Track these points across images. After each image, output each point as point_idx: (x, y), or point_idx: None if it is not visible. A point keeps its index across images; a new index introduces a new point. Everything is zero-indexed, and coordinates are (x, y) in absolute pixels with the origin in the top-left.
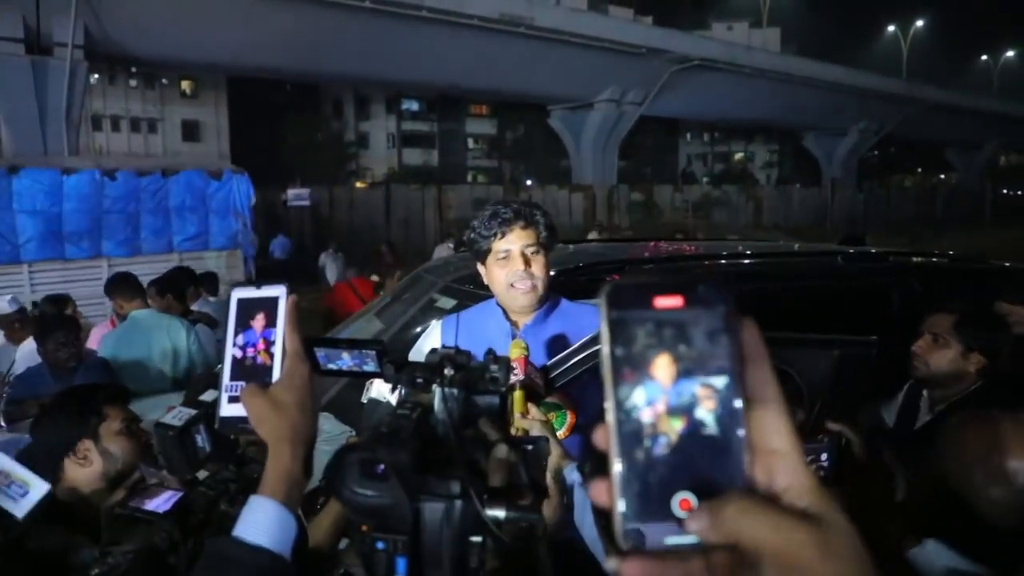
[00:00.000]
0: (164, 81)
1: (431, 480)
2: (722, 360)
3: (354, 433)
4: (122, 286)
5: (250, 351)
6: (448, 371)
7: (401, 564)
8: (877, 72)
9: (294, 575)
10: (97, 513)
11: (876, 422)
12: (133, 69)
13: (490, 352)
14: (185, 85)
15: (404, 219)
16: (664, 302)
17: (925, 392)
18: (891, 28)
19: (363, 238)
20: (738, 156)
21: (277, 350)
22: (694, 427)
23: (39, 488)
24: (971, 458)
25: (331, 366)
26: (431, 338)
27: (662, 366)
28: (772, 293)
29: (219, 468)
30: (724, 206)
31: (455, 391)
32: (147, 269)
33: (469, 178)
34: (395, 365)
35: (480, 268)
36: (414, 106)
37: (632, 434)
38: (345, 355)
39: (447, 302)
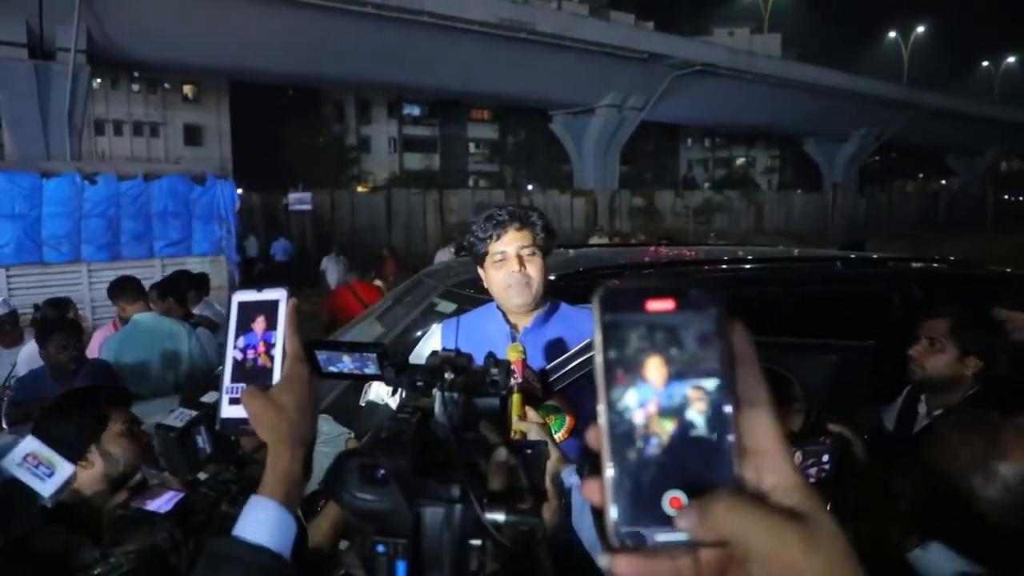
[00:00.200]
0: (166, 85)
1: (431, 484)
2: (713, 363)
3: (352, 435)
4: (124, 289)
5: (251, 353)
6: (448, 375)
7: (401, 567)
8: (878, 78)
9: (293, 574)
10: (98, 515)
11: (876, 426)
12: (135, 73)
13: (490, 355)
14: (187, 89)
15: (405, 223)
16: (656, 305)
17: (923, 396)
18: (892, 34)
19: (364, 242)
20: (739, 161)
21: (277, 352)
22: (685, 428)
23: (64, 469)
24: (967, 460)
25: (332, 369)
26: (431, 341)
27: (654, 368)
28: (771, 298)
29: (220, 469)
30: (725, 211)
31: (455, 395)
32: (128, 274)
33: (470, 183)
34: (396, 368)
35: (479, 271)
36: (415, 110)
37: (624, 435)
38: (346, 358)
39: (448, 306)
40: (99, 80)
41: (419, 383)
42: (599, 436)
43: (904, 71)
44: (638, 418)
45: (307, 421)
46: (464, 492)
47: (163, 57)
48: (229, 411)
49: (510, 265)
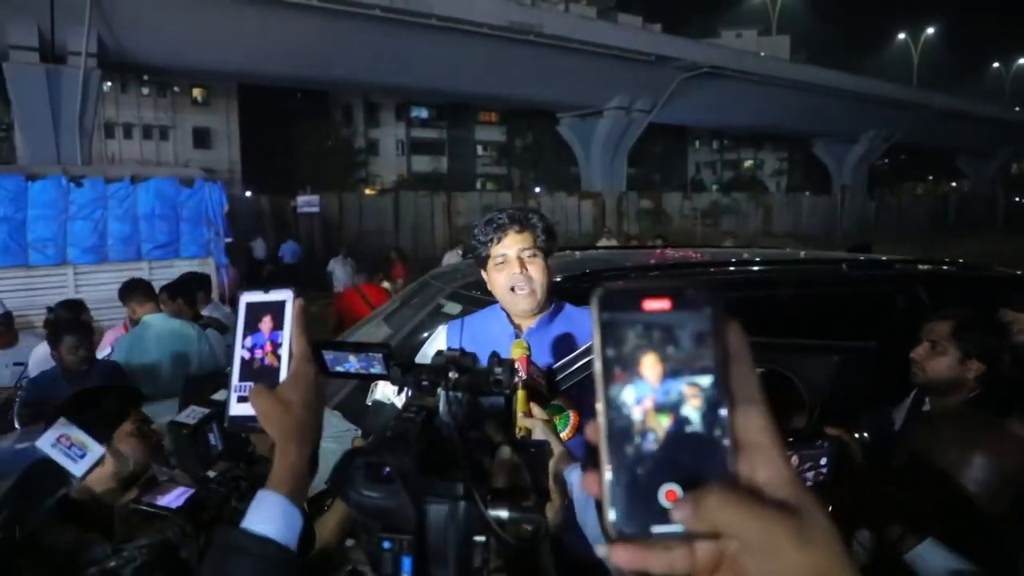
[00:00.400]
0: (176, 89)
1: (436, 482)
2: (707, 360)
3: (359, 432)
4: (135, 291)
5: (258, 353)
6: (453, 374)
7: (407, 563)
8: (888, 79)
9: (299, 565)
10: (109, 513)
11: (887, 426)
12: (145, 77)
13: (494, 355)
14: (196, 93)
15: (413, 226)
16: (653, 305)
17: (927, 398)
18: (901, 35)
19: (372, 245)
20: (747, 163)
21: (284, 352)
22: (680, 424)
23: (95, 451)
24: (949, 457)
25: (339, 368)
26: (436, 343)
27: (650, 366)
28: (777, 300)
29: (230, 466)
30: (733, 213)
31: (459, 394)
32: (114, 277)
33: (478, 185)
34: (401, 368)
35: (483, 274)
36: (423, 113)
37: (622, 430)
38: (352, 358)
39: (454, 307)
40: (109, 84)
41: (424, 382)
42: (598, 431)
43: (914, 72)
44: (635, 414)
45: (312, 418)
46: (468, 489)
47: (172, 61)
48: (237, 409)
49: (511, 267)
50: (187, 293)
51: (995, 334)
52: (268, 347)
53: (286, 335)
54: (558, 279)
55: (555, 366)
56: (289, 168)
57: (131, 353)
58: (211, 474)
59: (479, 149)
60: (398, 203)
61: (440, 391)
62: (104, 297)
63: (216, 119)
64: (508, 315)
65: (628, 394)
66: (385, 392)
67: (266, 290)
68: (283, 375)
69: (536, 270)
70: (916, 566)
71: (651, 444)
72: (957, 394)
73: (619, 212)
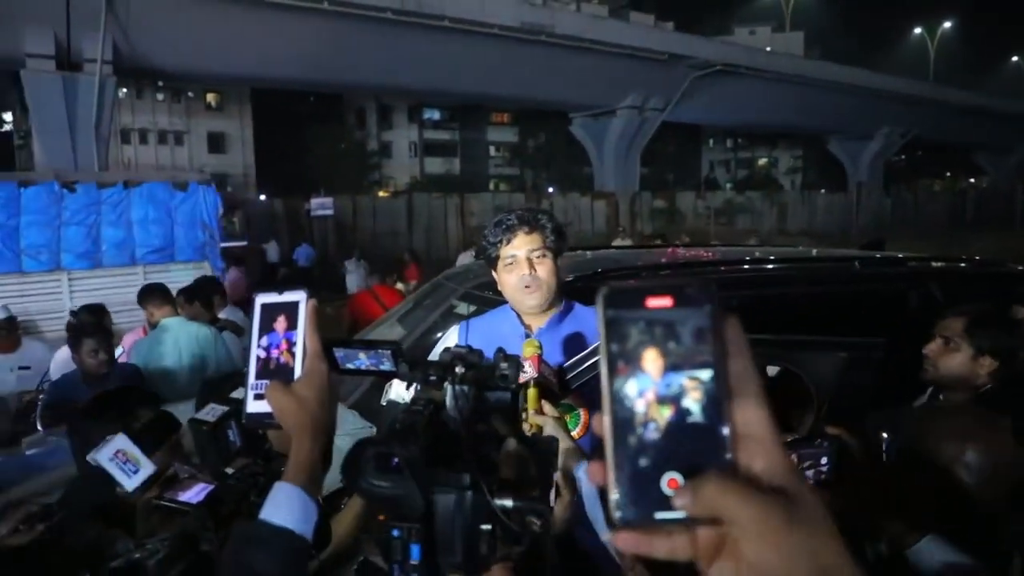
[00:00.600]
0: (190, 94)
1: (443, 472)
2: (707, 355)
3: (375, 430)
4: (152, 294)
5: (274, 352)
6: (459, 369)
7: (415, 550)
8: (903, 75)
9: (311, 554)
10: (131, 511)
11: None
12: (160, 83)
13: (500, 351)
14: (210, 98)
15: (427, 227)
16: (655, 302)
17: (941, 395)
18: (917, 30)
19: (386, 246)
20: (762, 162)
21: (298, 350)
22: (681, 415)
23: (147, 468)
24: (943, 451)
25: (349, 366)
26: (448, 343)
27: (652, 360)
28: (788, 298)
29: (248, 462)
30: (748, 212)
31: (465, 388)
32: (109, 282)
33: (491, 186)
34: (409, 364)
35: (494, 275)
36: (436, 115)
37: (625, 421)
38: (362, 355)
39: (467, 308)
40: (125, 90)
41: (432, 378)
42: (603, 423)
43: (930, 68)
44: (638, 406)
45: (326, 413)
46: (474, 479)
47: (187, 66)
48: (254, 406)
49: (520, 268)
50: (204, 296)
51: (1008, 330)
52: (283, 346)
53: (300, 334)
54: (569, 279)
55: (565, 365)
56: (303, 171)
57: (149, 356)
58: (229, 471)
59: (492, 150)
60: (411, 205)
61: (447, 385)
62: (99, 303)
63: (230, 124)
64: (518, 315)
65: (631, 387)
66: (399, 392)
67: (280, 291)
68: (298, 373)
69: (545, 271)
70: (917, 562)
71: (653, 434)
72: (969, 390)
73: (632, 212)
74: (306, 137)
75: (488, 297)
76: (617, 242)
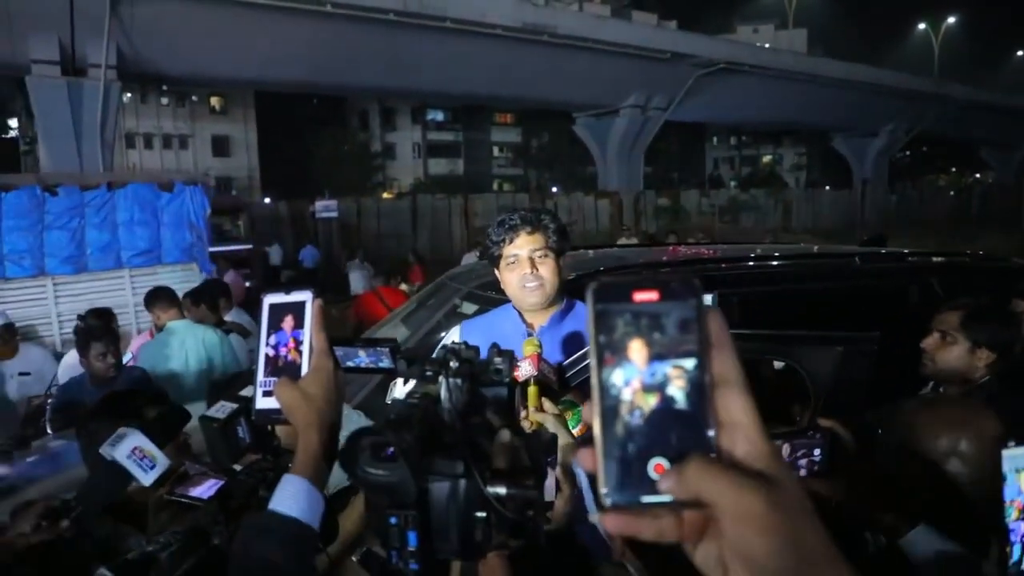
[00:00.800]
0: (194, 98)
1: (437, 461)
2: (691, 345)
3: None
4: (159, 297)
5: (282, 350)
6: (453, 364)
7: (412, 537)
8: (907, 71)
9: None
10: (141, 509)
11: None
12: (164, 87)
13: (494, 346)
14: (214, 101)
15: (431, 228)
16: (642, 296)
17: (942, 388)
18: (922, 26)
19: (390, 248)
20: (766, 159)
21: (305, 348)
22: (666, 402)
23: (163, 463)
24: (930, 441)
25: (349, 363)
26: (449, 341)
27: (637, 350)
28: (790, 294)
29: (258, 458)
30: (752, 210)
31: (459, 381)
32: (94, 287)
33: (495, 187)
34: (407, 361)
35: (496, 273)
36: (439, 116)
37: (612, 409)
38: (362, 353)
39: (470, 307)
40: (129, 95)
41: (428, 372)
42: (592, 411)
43: (935, 64)
44: (625, 394)
45: (333, 409)
46: (468, 468)
47: (190, 70)
48: (263, 403)
49: (522, 267)
50: (210, 299)
51: (1005, 324)
52: (291, 344)
53: (307, 333)
54: (571, 277)
55: (566, 363)
56: (307, 174)
57: (156, 359)
58: (237, 467)
59: (495, 151)
60: (415, 206)
61: (441, 379)
62: (84, 308)
63: (234, 127)
64: (520, 314)
65: (618, 376)
66: (404, 392)
67: (287, 291)
68: (305, 370)
69: (547, 270)
70: (910, 551)
71: (639, 421)
72: (967, 383)
73: (636, 210)
74: (310, 140)
75: (491, 297)
76: (622, 241)
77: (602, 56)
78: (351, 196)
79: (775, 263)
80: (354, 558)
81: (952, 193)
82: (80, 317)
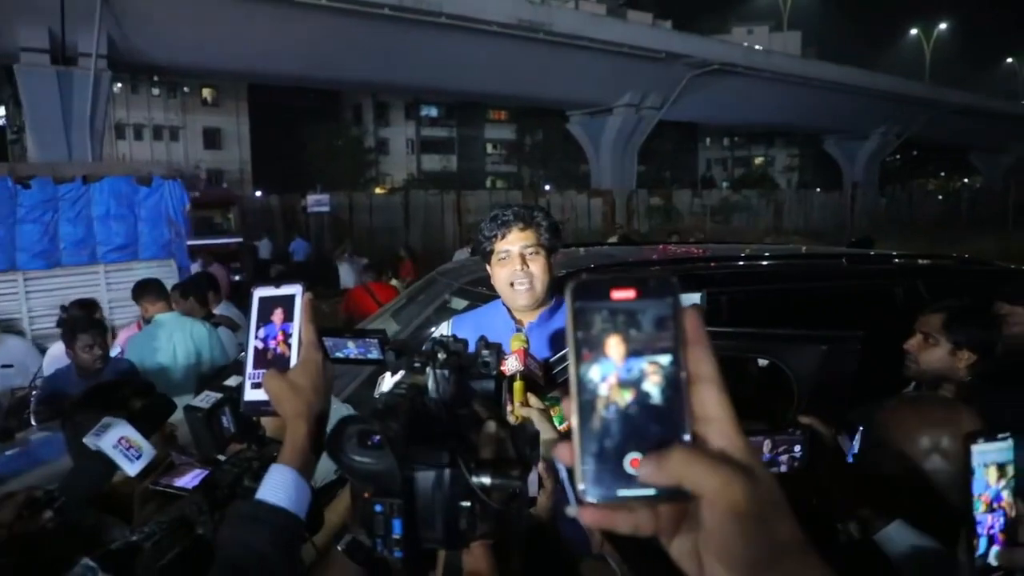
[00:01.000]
0: (186, 89)
1: (423, 450)
2: (667, 342)
3: None
4: (147, 290)
5: (271, 342)
6: (441, 355)
7: (397, 525)
8: (899, 75)
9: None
10: (126, 500)
11: None
12: (155, 78)
13: (482, 339)
14: (206, 93)
15: (423, 224)
16: (620, 294)
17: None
18: (914, 31)
19: (382, 243)
20: (758, 160)
21: (294, 341)
22: (642, 398)
23: (148, 452)
24: (909, 439)
25: (338, 354)
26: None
27: (614, 346)
28: (777, 293)
29: (243, 448)
30: (744, 210)
31: (447, 372)
32: (68, 282)
33: (488, 183)
34: (395, 352)
35: (488, 269)
36: (433, 112)
37: (590, 404)
38: (351, 344)
39: (461, 303)
40: (120, 85)
41: (416, 364)
42: (571, 407)
43: (926, 68)
44: (601, 390)
45: (321, 400)
46: (453, 457)
47: (182, 61)
48: (251, 395)
49: (513, 264)
50: (199, 292)
51: (987, 326)
52: (280, 337)
53: (296, 325)
54: (562, 274)
55: (553, 359)
56: (299, 168)
57: (144, 351)
58: (222, 457)
59: (489, 147)
60: (408, 202)
61: (429, 370)
62: (56, 304)
63: (226, 119)
64: (509, 310)
65: (595, 372)
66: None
67: (277, 285)
68: (294, 362)
69: (537, 267)
70: (885, 546)
71: (615, 416)
72: (948, 384)
73: (629, 209)
74: (303, 133)
75: (482, 293)
76: (615, 239)
77: (597, 54)
78: (344, 191)
79: (764, 263)
80: (339, 547)
81: (941, 197)
82: (64, 308)
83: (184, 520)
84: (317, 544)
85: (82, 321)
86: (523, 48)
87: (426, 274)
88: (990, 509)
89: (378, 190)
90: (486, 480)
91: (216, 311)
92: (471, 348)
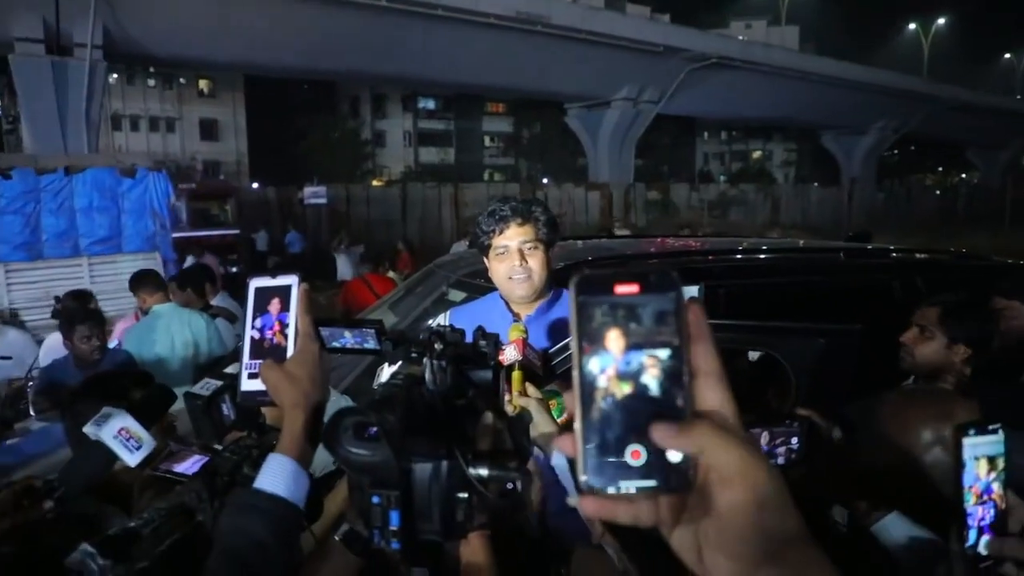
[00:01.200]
0: (182, 80)
1: (420, 441)
2: (670, 337)
3: None
4: (145, 281)
5: (267, 333)
6: (438, 345)
7: (394, 517)
8: (897, 70)
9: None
10: (125, 490)
11: None
12: (151, 69)
13: (479, 329)
14: (203, 84)
15: (420, 217)
16: (623, 289)
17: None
18: (912, 26)
19: (379, 236)
20: (756, 155)
21: (291, 331)
22: (641, 390)
23: (149, 444)
24: (904, 430)
25: (335, 344)
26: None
27: (613, 339)
28: (775, 287)
29: (243, 435)
30: (741, 205)
31: (443, 363)
32: (50, 274)
33: (485, 176)
34: (392, 342)
35: (486, 262)
36: (430, 104)
37: (589, 395)
38: (347, 333)
39: (458, 295)
40: (115, 76)
41: (413, 354)
42: (573, 399)
43: (924, 64)
44: (601, 382)
45: (318, 390)
46: (450, 449)
47: (178, 52)
48: (248, 385)
49: (512, 259)
50: (196, 283)
51: (982, 320)
52: (276, 327)
53: (292, 316)
54: (559, 266)
55: (552, 350)
56: (296, 159)
57: (141, 343)
58: (218, 447)
59: (486, 140)
60: (405, 194)
61: (426, 361)
62: (38, 296)
63: (223, 111)
64: (507, 303)
65: (594, 364)
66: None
67: (273, 275)
68: (290, 352)
69: (536, 262)
70: (881, 537)
71: (615, 408)
72: (944, 378)
73: (627, 203)
74: (300, 125)
75: (480, 285)
76: (615, 232)
77: (595, 47)
78: (341, 183)
79: (762, 257)
80: (336, 536)
81: (938, 192)
82: (58, 299)
83: (183, 507)
84: (316, 533)
85: (80, 312)
86: (521, 40)
87: (423, 267)
88: (980, 501)
89: (375, 182)
90: (483, 472)
91: (213, 302)
92: (459, 330)
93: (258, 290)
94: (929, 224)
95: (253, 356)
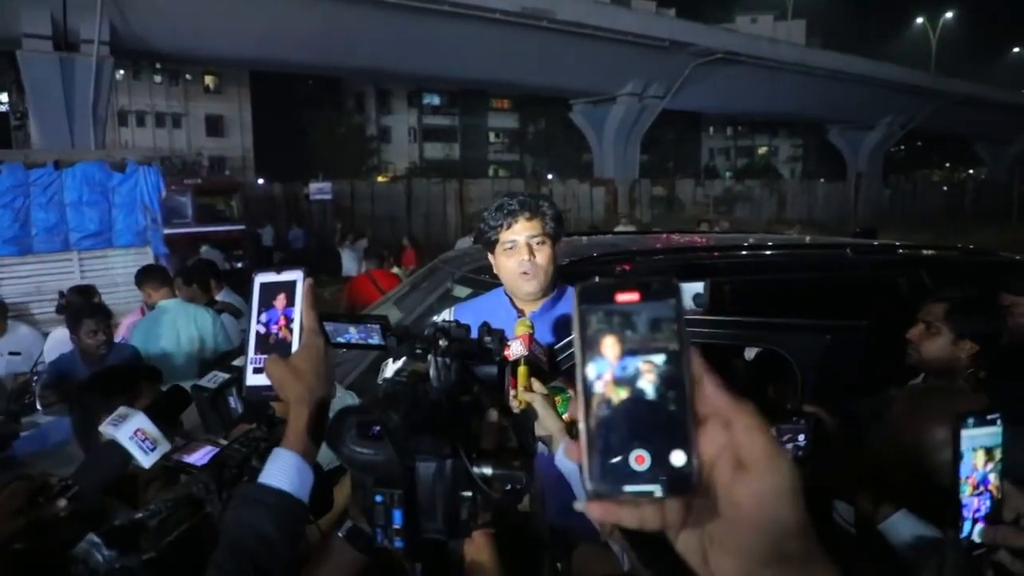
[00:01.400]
0: (188, 76)
1: (424, 440)
2: (664, 342)
3: None
4: (151, 276)
5: (273, 328)
6: (442, 342)
7: (398, 515)
8: (905, 65)
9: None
10: (131, 483)
11: None
12: (158, 65)
13: (484, 325)
14: (209, 80)
15: (425, 213)
16: (624, 297)
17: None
18: (919, 20)
19: (384, 231)
20: (762, 150)
21: (296, 326)
22: (638, 395)
23: (164, 446)
24: (916, 427)
25: (339, 339)
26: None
27: (610, 346)
28: (781, 283)
29: (252, 428)
30: (747, 200)
31: (448, 360)
32: (40, 269)
33: (490, 172)
34: (397, 338)
35: (490, 258)
36: (436, 100)
37: (597, 403)
38: (352, 329)
39: (463, 291)
40: (122, 72)
41: (417, 350)
42: (578, 405)
43: (932, 58)
44: (598, 387)
45: (323, 384)
46: (454, 447)
47: (185, 48)
48: (253, 379)
49: (520, 254)
50: (202, 278)
51: (989, 315)
52: (281, 322)
53: (297, 311)
54: (564, 262)
55: (557, 346)
56: (302, 155)
57: (147, 337)
58: (223, 441)
59: (491, 136)
60: (410, 190)
61: (430, 358)
62: (28, 291)
63: (229, 107)
64: (511, 299)
65: (592, 370)
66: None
67: (279, 270)
68: (295, 347)
69: (543, 257)
70: (888, 535)
71: (613, 413)
72: (951, 374)
73: (632, 199)
74: (305, 121)
75: (484, 280)
76: (619, 228)
77: (600, 43)
78: (346, 179)
79: (767, 253)
80: (340, 533)
81: (945, 188)
82: (61, 294)
83: (191, 498)
84: (322, 527)
85: (86, 307)
86: (526, 36)
87: (427, 262)
88: (976, 492)
89: (380, 178)
90: (488, 470)
91: (218, 297)
92: (473, 334)
93: (263, 285)
94: (936, 220)
95: (258, 351)
